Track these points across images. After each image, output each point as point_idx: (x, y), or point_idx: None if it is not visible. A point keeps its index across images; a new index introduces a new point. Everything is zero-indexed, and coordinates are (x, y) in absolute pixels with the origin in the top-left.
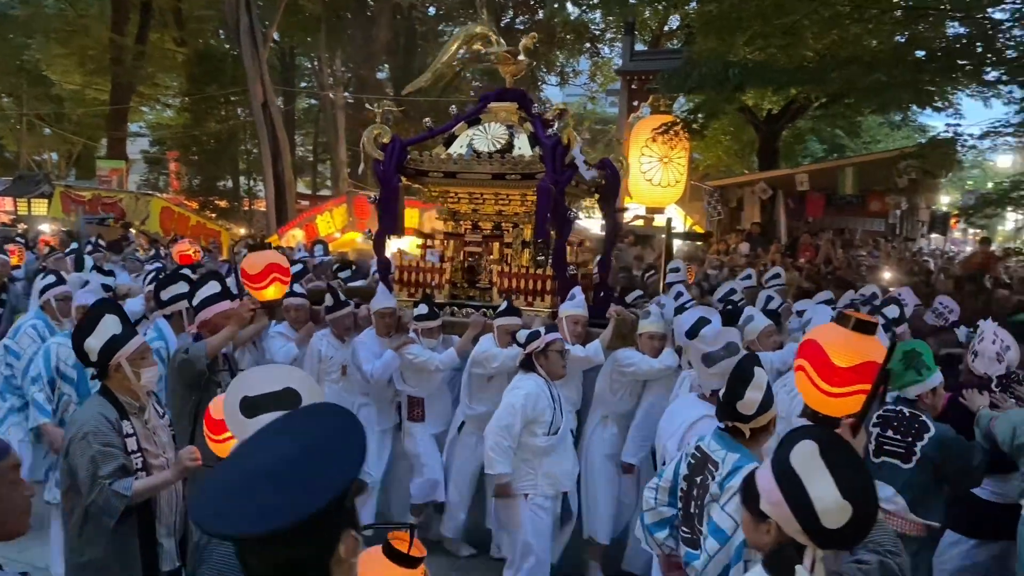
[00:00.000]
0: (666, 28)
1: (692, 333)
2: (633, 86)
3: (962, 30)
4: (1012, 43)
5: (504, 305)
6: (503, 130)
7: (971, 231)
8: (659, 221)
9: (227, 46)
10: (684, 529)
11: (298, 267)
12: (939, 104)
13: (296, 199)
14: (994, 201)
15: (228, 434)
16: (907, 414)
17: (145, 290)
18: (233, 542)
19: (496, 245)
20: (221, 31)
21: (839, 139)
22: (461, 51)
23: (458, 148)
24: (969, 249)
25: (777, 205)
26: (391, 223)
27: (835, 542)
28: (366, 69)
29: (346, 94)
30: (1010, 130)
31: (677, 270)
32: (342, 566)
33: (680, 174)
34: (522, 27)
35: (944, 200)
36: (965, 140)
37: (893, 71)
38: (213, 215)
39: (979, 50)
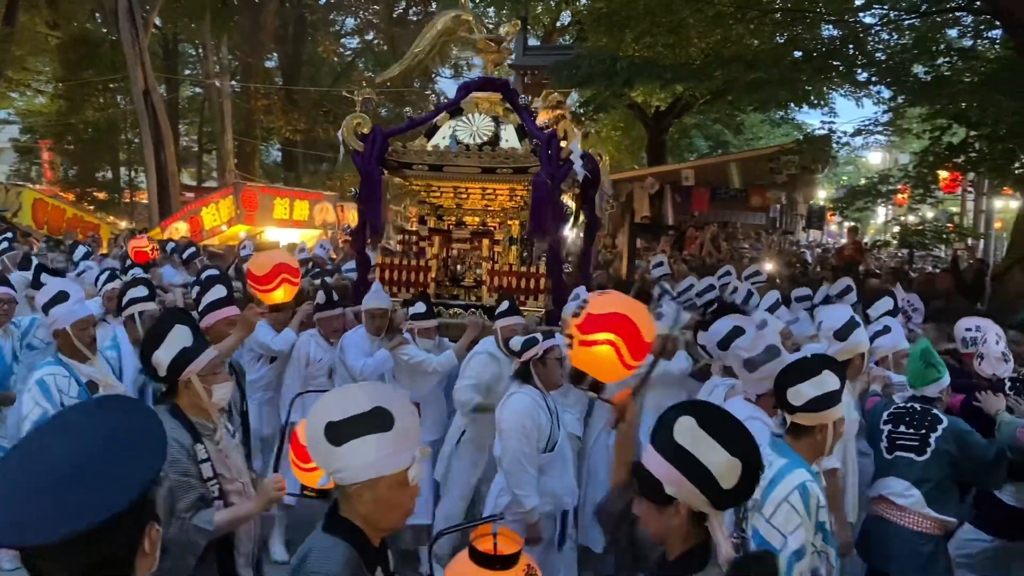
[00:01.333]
0: (559, 24)
1: (724, 344)
2: (526, 80)
3: (836, 33)
4: (881, 46)
5: (506, 305)
6: (488, 121)
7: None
8: None
9: (105, 30)
10: (735, 534)
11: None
12: (815, 102)
13: (181, 191)
14: (863, 194)
15: (310, 465)
16: (919, 409)
17: (103, 291)
18: (33, 551)
19: (486, 242)
20: (97, 14)
21: (723, 136)
22: (441, 37)
23: (441, 140)
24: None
25: (665, 199)
26: (373, 218)
27: (734, 499)
28: (253, 57)
29: (233, 83)
30: (880, 128)
31: (661, 264)
32: (146, 560)
33: None
34: (416, 19)
35: (821, 195)
36: (839, 137)
37: (771, 70)
38: (91, 207)
39: (851, 52)
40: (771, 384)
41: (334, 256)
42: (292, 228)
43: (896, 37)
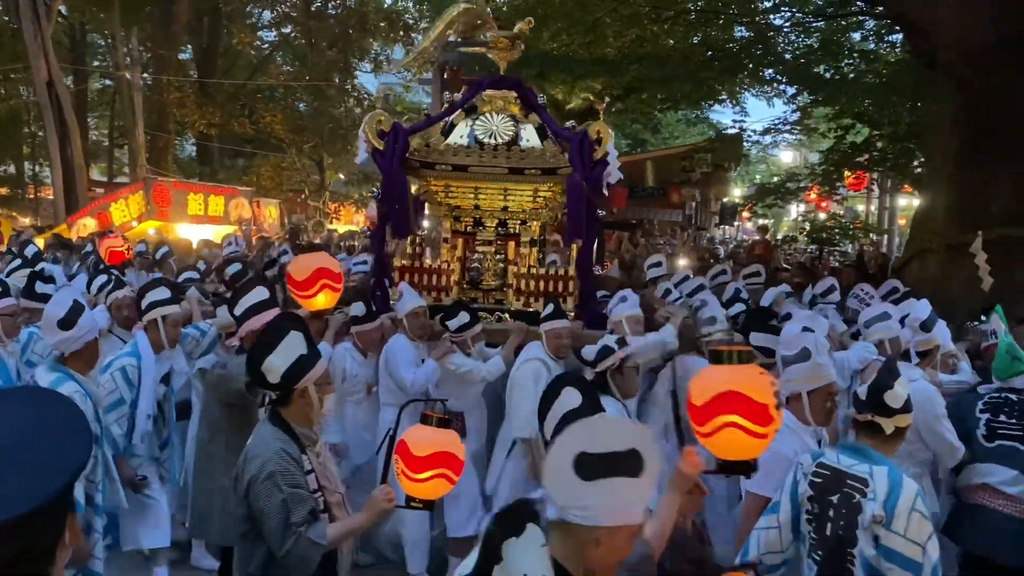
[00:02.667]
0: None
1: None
2: (446, 75)
3: (747, 34)
4: (789, 48)
5: (551, 309)
6: (508, 121)
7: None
8: None
9: (7, 18)
10: (820, 552)
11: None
12: (724, 100)
13: (90, 186)
14: (771, 192)
15: (429, 473)
16: (1015, 399)
17: (111, 300)
18: None
19: (511, 244)
20: None
21: (641, 135)
22: (450, 32)
23: (459, 138)
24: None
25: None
26: (400, 222)
27: None
28: (166, 49)
29: (144, 75)
30: (788, 128)
31: (659, 264)
32: (65, 551)
33: None
34: (333, 13)
35: (736, 193)
36: (749, 136)
37: (681, 67)
38: None
39: (759, 52)
40: (798, 387)
41: (247, 253)
42: (207, 224)
43: (803, 39)
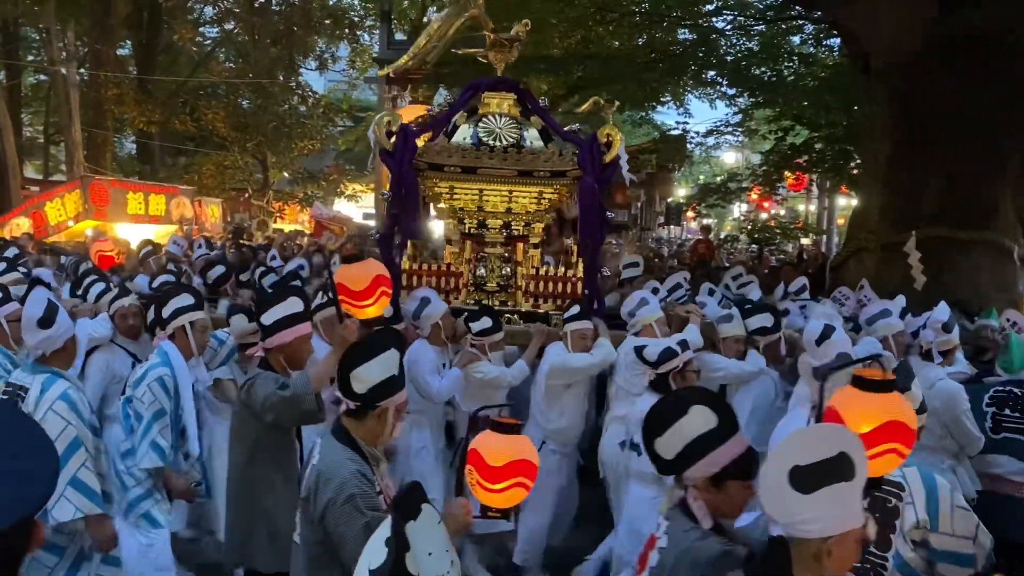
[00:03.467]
0: (425, 19)
1: (820, 342)
2: (392, 74)
3: (691, 36)
4: (731, 50)
5: (576, 310)
6: (512, 123)
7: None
8: None
9: None
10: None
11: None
12: (668, 101)
13: (24, 184)
14: (714, 192)
15: (506, 483)
16: (1019, 393)
17: (115, 308)
18: None
19: (520, 246)
20: None
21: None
22: (446, 36)
23: (462, 140)
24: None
25: None
26: (411, 224)
27: None
28: (104, 44)
29: (81, 71)
30: (730, 129)
31: (636, 265)
32: (29, 553)
33: None
34: (277, 9)
35: (680, 193)
36: (693, 136)
37: (625, 68)
38: None
39: (702, 54)
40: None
41: (189, 253)
42: (148, 224)
43: (744, 42)
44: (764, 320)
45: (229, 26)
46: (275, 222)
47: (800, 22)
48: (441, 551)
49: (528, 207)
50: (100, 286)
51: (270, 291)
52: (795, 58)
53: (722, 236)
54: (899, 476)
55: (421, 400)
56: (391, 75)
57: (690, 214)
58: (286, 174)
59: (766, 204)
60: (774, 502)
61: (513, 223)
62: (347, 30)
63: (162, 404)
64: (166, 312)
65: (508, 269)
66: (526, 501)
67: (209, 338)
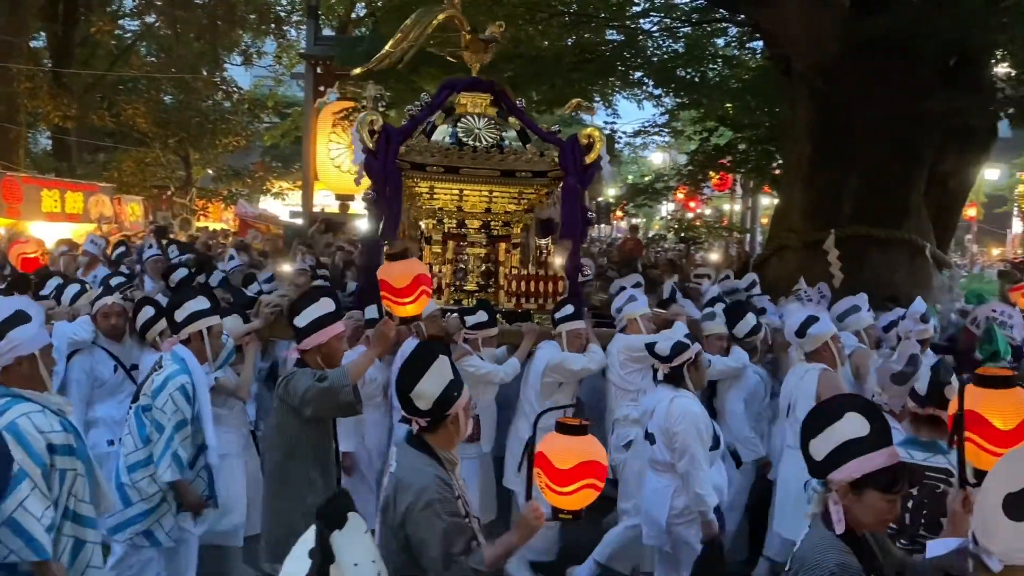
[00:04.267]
0: (353, 15)
1: (801, 332)
2: (319, 70)
3: (618, 37)
4: (657, 51)
5: (570, 309)
6: (491, 123)
7: (633, 220)
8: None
9: None
10: (902, 541)
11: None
12: (597, 101)
13: None
14: (642, 191)
15: (575, 485)
16: None
17: (98, 307)
18: None
19: (502, 246)
20: None
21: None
22: (422, 36)
23: (441, 139)
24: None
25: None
26: (392, 225)
27: None
28: (15, 35)
29: None
30: (656, 130)
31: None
32: None
33: None
34: (200, 3)
35: (610, 192)
36: (621, 137)
37: (553, 68)
38: None
39: (630, 55)
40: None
41: (109, 252)
42: (64, 222)
43: (670, 43)
44: (751, 321)
45: (150, 19)
46: (198, 220)
47: (724, 25)
48: (367, 561)
49: (507, 207)
50: (74, 287)
51: (247, 293)
52: (719, 60)
53: (650, 235)
54: (946, 463)
55: None
56: (318, 71)
57: (619, 213)
58: (210, 171)
59: (692, 203)
60: (992, 532)
61: (492, 223)
62: (273, 25)
63: (184, 414)
64: (180, 316)
65: (489, 269)
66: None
67: (223, 344)
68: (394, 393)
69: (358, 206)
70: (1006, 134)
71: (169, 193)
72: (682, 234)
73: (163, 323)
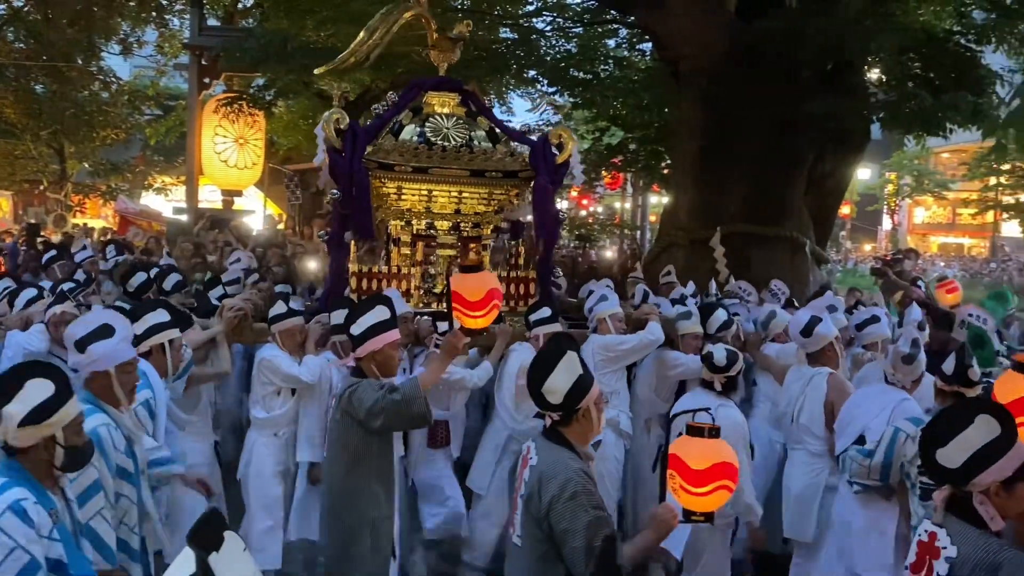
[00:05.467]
0: (240, 5)
1: (808, 332)
2: (204, 62)
3: (512, 36)
4: (551, 51)
5: (547, 312)
6: (459, 123)
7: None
8: (239, 204)
9: None
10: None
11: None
12: (492, 98)
13: None
14: None
15: (711, 486)
16: None
17: (49, 316)
18: None
19: (474, 247)
20: None
21: None
22: (388, 34)
23: (408, 138)
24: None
25: None
26: (364, 225)
27: None
28: None
29: None
30: (549, 128)
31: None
32: None
33: (257, 156)
34: None
35: None
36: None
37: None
38: None
39: (523, 54)
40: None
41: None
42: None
43: (563, 43)
44: (722, 316)
45: (18, 3)
46: (74, 217)
47: (615, 26)
48: None
49: (477, 208)
50: (30, 292)
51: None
52: (611, 61)
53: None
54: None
55: None
56: (203, 62)
57: None
58: (86, 165)
59: (585, 201)
60: None
61: (462, 224)
62: (154, 13)
63: (147, 430)
64: (140, 328)
65: (444, 271)
66: (485, 499)
67: (184, 356)
68: None
69: (244, 202)
70: (877, 136)
71: (42, 188)
72: (577, 232)
73: None
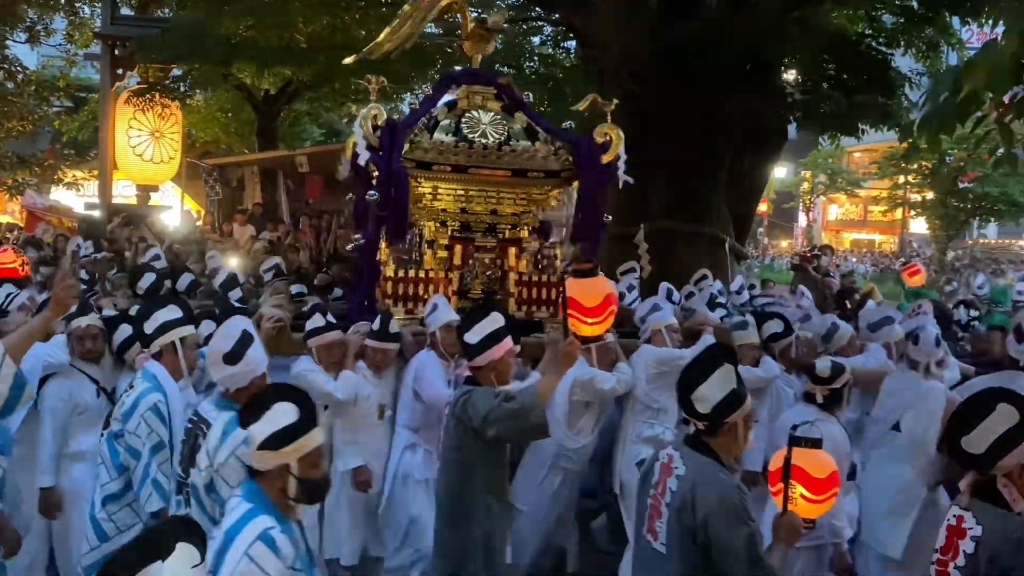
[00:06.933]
0: None
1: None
2: (117, 52)
3: (437, 31)
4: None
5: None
6: (497, 119)
7: None
8: (156, 199)
9: None
10: None
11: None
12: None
13: None
14: None
15: (827, 494)
16: None
17: (71, 328)
18: None
19: (512, 250)
20: None
21: (336, 125)
22: (422, 23)
23: (444, 136)
24: None
25: (278, 186)
26: (400, 228)
27: None
28: None
29: None
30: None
31: (633, 270)
32: None
33: (174, 150)
34: None
35: None
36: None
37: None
38: None
39: (449, 49)
40: None
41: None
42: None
43: None
44: (775, 327)
45: None
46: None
47: (540, 24)
48: None
49: (515, 208)
50: (23, 295)
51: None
52: (536, 58)
53: None
54: None
55: (424, 416)
56: (116, 52)
57: None
58: None
59: None
60: None
61: (498, 225)
62: (63, 0)
63: (160, 436)
64: (150, 327)
65: (492, 275)
66: (525, 514)
67: (198, 357)
68: (397, 409)
69: (160, 197)
70: (793, 135)
71: None
72: None
73: None
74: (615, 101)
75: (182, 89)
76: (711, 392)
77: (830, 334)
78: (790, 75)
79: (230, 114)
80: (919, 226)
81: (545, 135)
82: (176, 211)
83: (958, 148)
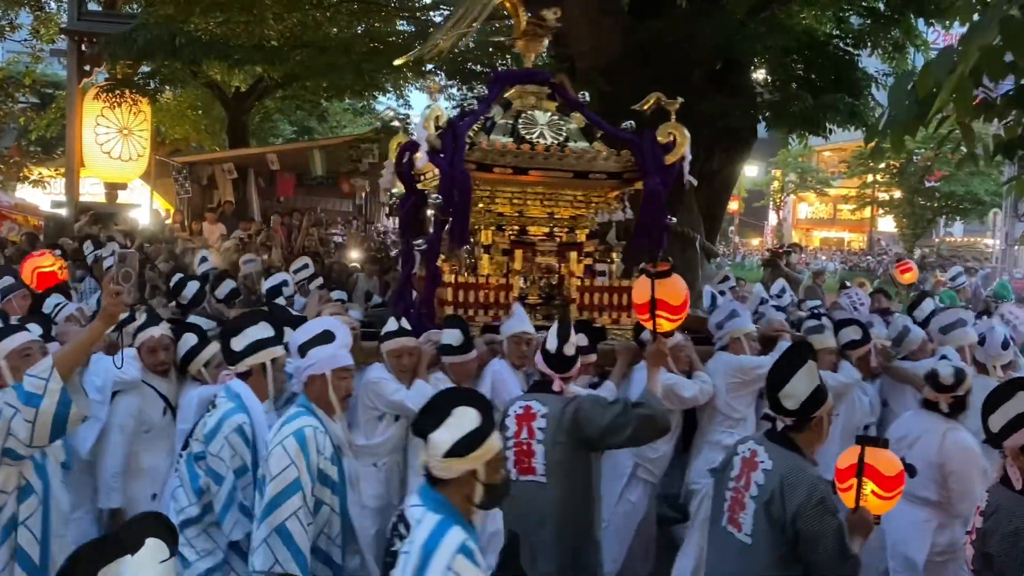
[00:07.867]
0: None
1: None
2: (84, 48)
3: (409, 28)
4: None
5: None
6: (554, 120)
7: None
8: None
9: None
10: None
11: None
12: (389, 91)
13: None
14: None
15: (895, 492)
16: None
17: (142, 340)
18: None
19: (573, 255)
20: None
21: (308, 122)
22: (478, 20)
23: (502, 137)
24: None
25: (249, 184)
26: (462, 232)
27: None
28: None
29: None
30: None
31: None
32: None
33: (143, 147)
34: None
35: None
36: (414, 128)
37: (342, 58)
38: None
39: (420, 46)
40: None
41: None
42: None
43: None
44: (853, 333)
45: None
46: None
47: (511, 22)
48: None
49: (573, 211)
50: (71, 307)
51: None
52: (509, 55)
53: None
54: None
55: None
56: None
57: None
58: None
59: None
60: None
61: (556, 229)
62: None
63: (244, 459)
64: (239, 344)
65: (550, 280)
66: (607, 527)
67: (286, 377)
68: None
69: (129, 195)
70: (762, 135)
71: None
72: None
73: (208, 353)
74: (679, 100)
75: (152, 86)
76: (798, 389)
77: (900, 337)
78: (759, 75)
79: (200, 111)
80: (887, 224)
81: (603, 135)
82: (145, 209)
83: (925, 148)
